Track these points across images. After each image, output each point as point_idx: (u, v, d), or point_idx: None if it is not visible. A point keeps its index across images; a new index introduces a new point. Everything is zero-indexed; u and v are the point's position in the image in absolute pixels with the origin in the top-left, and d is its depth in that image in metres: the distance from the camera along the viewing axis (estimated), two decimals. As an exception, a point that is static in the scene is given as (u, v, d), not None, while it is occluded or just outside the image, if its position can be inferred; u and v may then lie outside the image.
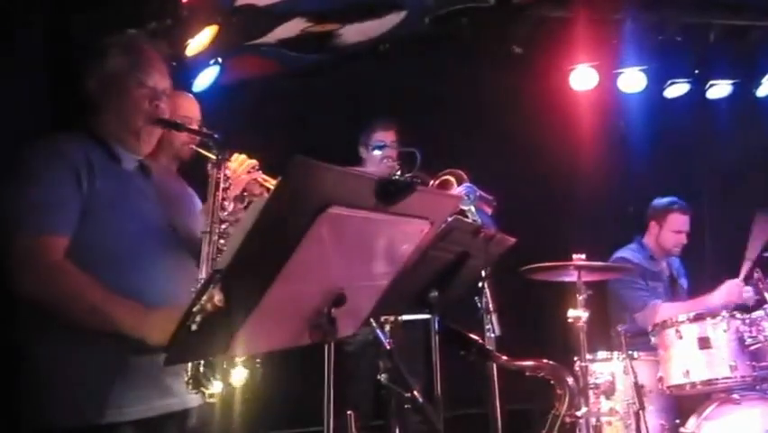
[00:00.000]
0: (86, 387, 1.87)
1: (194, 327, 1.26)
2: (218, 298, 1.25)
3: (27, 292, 1.85)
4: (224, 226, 2.07)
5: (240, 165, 2.73)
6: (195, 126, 2.89)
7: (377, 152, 3.99)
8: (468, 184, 3.08)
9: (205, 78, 3.59)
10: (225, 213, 2.10)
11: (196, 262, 2.03)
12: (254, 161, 2.75)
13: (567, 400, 1.76)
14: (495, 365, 2.94)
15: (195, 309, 1.26)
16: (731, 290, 3.75)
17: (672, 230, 4.12)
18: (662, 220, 4.14)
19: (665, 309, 3.86)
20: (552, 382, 1.77)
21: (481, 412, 3.14)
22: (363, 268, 1.67)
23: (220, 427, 2.44)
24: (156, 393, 1.95)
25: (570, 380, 1.74)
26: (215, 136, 2.18)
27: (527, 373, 1.97)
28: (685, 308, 3.80)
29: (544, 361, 1.80)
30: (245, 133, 3.43)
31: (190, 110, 2.88)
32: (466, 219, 2.79)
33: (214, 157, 2.18)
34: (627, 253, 4.18)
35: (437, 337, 2.30)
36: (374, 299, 1.82)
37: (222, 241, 2.03)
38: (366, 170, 3.87)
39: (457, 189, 3.06)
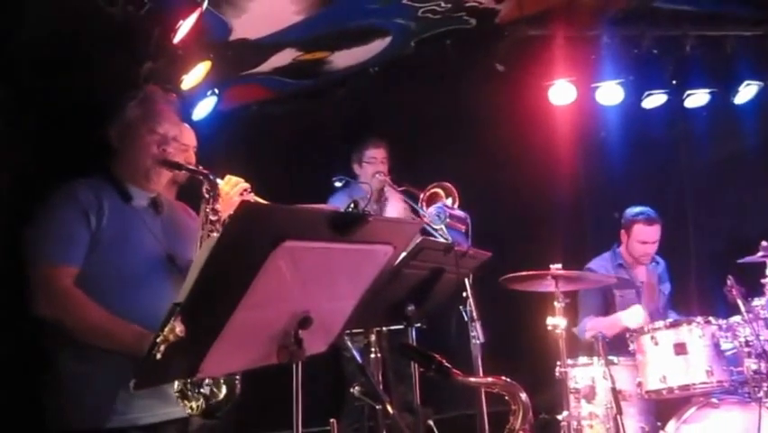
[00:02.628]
0: (97, 395, 2.17)
1: (158, 356, 1.42)
2: (179, 329, 1.40)
3: (42, 313, 2.18)
4: None
5: (232, 187, 2.96)
6: (192, 157, 3.18)
7: (369, 168, 4.23)
8: (439, 205, 3.24)
9: (203, 108, 3.80)
10: None
11: None
12: (246, 184, 2.97)
13: (521, 414, 1.83)
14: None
15: (158, 340, 1.42)
16: (632, 313, 3.89)
17: (638, 240, 4.18)
18: (629, 230, 4.21)
19: (591, 323, 3.97)
20: (506, 397, 1.87)
21: (470, 414, 3.28)
22: (327, 291, 1.78)
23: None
24: (159, 402, 2.21)
25: (523, 396, 1.82)
26: (210, 177, 2.49)
27: (483, 389, 2.09)
28: (602, 324, 3.94)
29: (500, 378, 1.91)
30: (243, 156, 3.66)
31: (189, 139, 3.20)
32: (436, 238, 2.96)
33: (206, 195, 2.43)
34: (596, 263, 4.29)
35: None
36: (343, 318, 1.93)
37: None
38: (365, 182, 4.10)
39: (428, 211, 3.23)
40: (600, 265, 4.25)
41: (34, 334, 2.26)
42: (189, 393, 2.13)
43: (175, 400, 2.19)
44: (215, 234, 2.31)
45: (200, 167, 2.67)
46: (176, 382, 2.13)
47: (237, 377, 2.25)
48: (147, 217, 2.39)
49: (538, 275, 3.48)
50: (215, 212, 2.43)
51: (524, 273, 3.50)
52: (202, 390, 2.13)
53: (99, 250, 2.24)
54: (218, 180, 2.99)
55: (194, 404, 2.13)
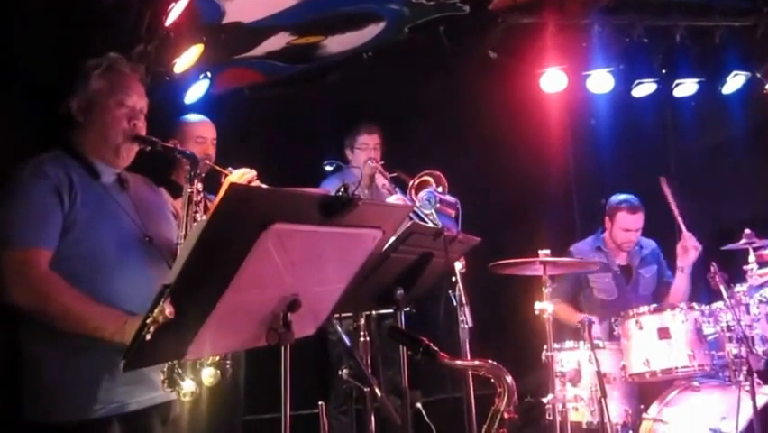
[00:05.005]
0: (77, 386, 2.06)
1: (148, 337, 1.41)
2: (168, 310, 1.39)
3: (16, 301, 2.04)
4: None
5: (240, 178, 2.99)
6: (209, 149, 3.22)
7: (362, 154, 4.25)
8: (429, 190, 3.27)
9: (195, 92, 3.81)
10: None
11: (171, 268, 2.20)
12: (253, 173, 3.01)
13: (506, 396, 1.84)
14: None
15: (148, 321, 1.41)
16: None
17: (621, 228, 4.24)
18: (612, 217, 4.28)
19: (557, 309, 3.96)
20: (492, 379, 1.91)
21: (457, 396, 3.32)
22: (316, 275, 1.77)
23: (207, 415, 2.66)
24: (141, 388, 2.13)
25: (508, 378, 1.84)
26: (188, 153, 2.40)
27: (470, 372, 2.12)
28: (564, 313, 4.09)
29: (485, 361, 1.94)
30: (235, 140, 3.69)
31: (204, 131, 3.34)
32: (426, 223, 2.99)
33: (188, 175, 2.35)
34: (575, 247, 4.36)
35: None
36: (332, 301, 1.93)
37: None
38: (356, 166, 4.13)
39: (419, 196, 3.26)
40: (579, 249, 4.33)
41: (7, 323, 2.15)
42: (178, 379, 2.07)
43: (158, 385, 2.12)
44: (200, 216, 2.31)
45: (177, 144, 2.61)
46: (165, 369, 2.06)
47: (228, 361, 2.22)
48: (117, 195, 2.25)
49: (527, 262, 3.54)
50: (198, 192, 2.35)
51: (512, 261, 3.56)
52: (192, 374, 2.08)
53: (74, 231, 2.10)
54: (229, 170, 3.03)
55: (186, 390, 2.07)
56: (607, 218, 4.33)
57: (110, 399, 2.08)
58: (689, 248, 4.04)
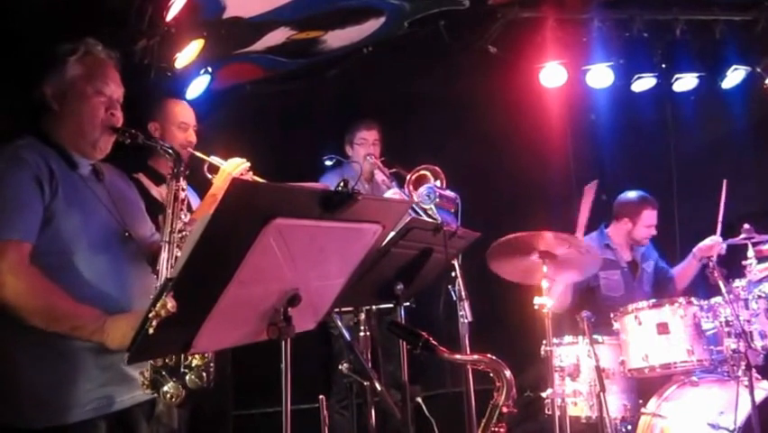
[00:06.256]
0: (55, 389, 1.96)
1: (151, 331, 1.43)
2: (171, 304, 1.41)
3: None
4: (180, 235, 2.16)
5: (235, 168, 3.00)
6: (192, 136, 3.19)
7: (361, 150, 4.26)
8: (429, 185, 3.27)
9: (196, 87, 3.80)
10: (182, 223, 2.19)
11: (148, 264, 2.15)
12: (247, 164, 3.01)
13: (505, 391, 1.86)
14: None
15: (150, 315, 1.43)
16: None
17: (645, 225, 4.29)
18: (635, 217, 4.30)
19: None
20: (491, 374, 1.92)
21: (457, 391, 3.34)
22: (316, 270, 1.79)
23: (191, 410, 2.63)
24: (124, 388, 2.06)
25: (507, 373, 1.86)
26: (170, 150, 2.30)
27: (470, 367, 2.12)
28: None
29: (484, 355, 1.95)
30: (236, 135, 3.69)
31: (187, 116, 3.25)
32: (426, 218, 3.00)
33: (172, 171, 2.25)
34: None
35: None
36: (332, 296, 1.95)
37: (178, 249, 2.11)
38: (356, 161, 4.14)
39: (418, 191, 3.26)
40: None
41: None
42: (161, 381, 1.98)
43: (138, 383, 2.02)
44: (185, 214, 2.25)
45: (161, 141, 2.48)
46: (146, 373, 1.98)
47: (212, 364, 2.09)
48: (94, 187, 2.15)
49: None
50: (183, 190, 2.27)
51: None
52: (178, 377, 1.99)
53: (53, 223, 1.98)
54: (220, 161, 3.03)
55: (173, 391, 1.98)
56: (625, 219, 4.35)
57: (92, 400, 2.01)
58: (716, 247, 4.05)
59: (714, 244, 4.05)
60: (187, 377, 2.00)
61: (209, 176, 3.10)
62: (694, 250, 4.19)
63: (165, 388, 1.99)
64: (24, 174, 1.97)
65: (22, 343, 1.97)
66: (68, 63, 2.14)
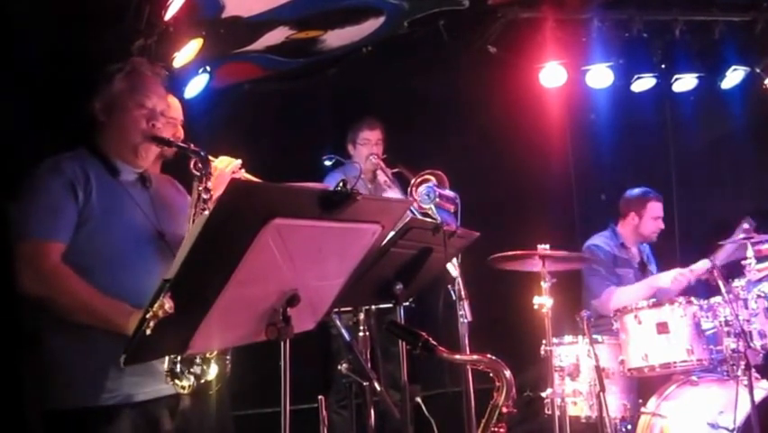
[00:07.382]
0: (86, 374, 2.13)
1: (148, 332, 1.43)
2: (168, 305, 1.42)
3: (28, 291, 2.10)
4: None
5: (226, 165, 2.99)
6: (180, 132, 3.19)
7: (363, 150, 4.25)
8: (429, 185, 3.27)
9: (195, 86, 3.79)
10: None
11: None
12: (239, 161, 2.99)
13: (505, 391, 1.85)
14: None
15: (147, 316, 1.43)
16: (677, 278, 3.96)
17: (652, 217, 4.33)
18: (641, 210, 4.34)
19: (619, 293, 4.08)
20: (491, 374, 1.91)
21: (456, 391, 3.34)
22: (315, 269, 1.80)
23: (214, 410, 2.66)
24: (149, 379, 2.19)
25: (507, 373, 1.85)
26: (201, 154, 2.41)
27: (470, 367, 2.12)
28: (635, 290, 4.04)
29: (484, 355, 1.94)
30: (235, 134, 3.69)
31: (176, 112, 3.23)
32: (426, 218, 2.99)
33: (197, 173, 2.37)
34: (599, 240, 4.37)
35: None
36: (331, 296, 1.96)
37: None
38: (357, 162, 4.14)
39: (418, 190, 3.26)
40: (605, 243, 4.34)
41: (20, 312, 2.13)
42: (179, 372, 2.12)
43: (164, 377, 2.16)
44: (207, 213, 2.35)
45: (190, 144, 2.58)
46: (165, 362, 2.11)
47: (228, 357, 2.25)
48: (135, 192, 2.34)
49: (526, 255, 3.55)
50: (207, 190, 2.37)
51: (511, 253, 3.56)
52: (192, 369, 2.13)
53: (88, 225, 2.18)
54: (211, 158, 3.02)
55: (185, 383, 2.12)
56: (632, 214, 4.38)
57: (117, 388, 2.15)
58: (678, 283, 4.03)
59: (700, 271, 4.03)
60: (201, 368, 2.09)
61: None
62: (688, 271, 4.11)
63: (181, 379, 2.10)
64: (57, 181, 2.19)
65: (57, 331, 2.15)
66: (115, 80, 2.36)
